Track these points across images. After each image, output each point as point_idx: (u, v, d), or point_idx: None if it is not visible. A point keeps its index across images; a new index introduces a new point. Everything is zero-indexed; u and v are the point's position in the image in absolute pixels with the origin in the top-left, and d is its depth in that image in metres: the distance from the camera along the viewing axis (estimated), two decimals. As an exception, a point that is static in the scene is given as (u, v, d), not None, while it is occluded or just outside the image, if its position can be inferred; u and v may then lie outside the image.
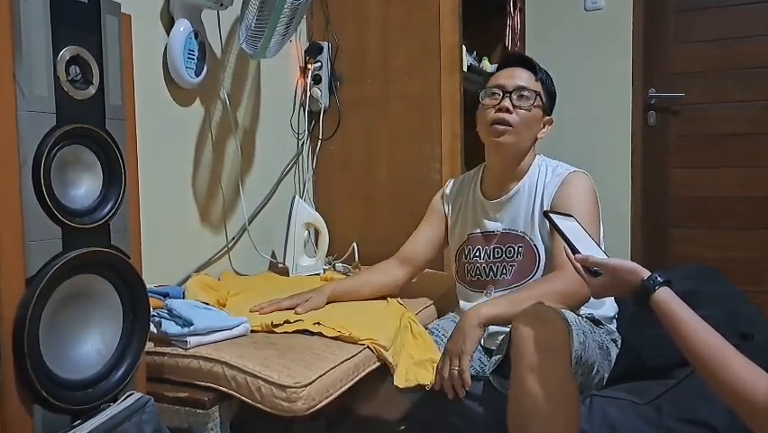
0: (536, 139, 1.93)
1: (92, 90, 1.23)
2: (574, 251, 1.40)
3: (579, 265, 1.39)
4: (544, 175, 1.89)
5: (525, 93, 1.86)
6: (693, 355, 1.17)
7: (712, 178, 3.32)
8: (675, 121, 3.38)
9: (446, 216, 2.08)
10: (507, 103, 1.84)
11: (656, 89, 3.37)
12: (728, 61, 3.24)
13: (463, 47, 2.62)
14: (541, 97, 1.88)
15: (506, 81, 1.87)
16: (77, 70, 1.20)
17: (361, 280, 2.08)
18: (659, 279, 1.26)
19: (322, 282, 2.16)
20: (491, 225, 1.94)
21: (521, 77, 1.88)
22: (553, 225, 1.48)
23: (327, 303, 1.89)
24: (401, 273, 2.06)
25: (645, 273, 1.28)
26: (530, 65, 1.91)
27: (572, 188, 1.83)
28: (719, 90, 3.27)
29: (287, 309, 1.82)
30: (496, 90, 1.87)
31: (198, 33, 2.11)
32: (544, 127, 1.93)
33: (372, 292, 2.01)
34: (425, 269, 2.16)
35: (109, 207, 1.26)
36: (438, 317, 2.07)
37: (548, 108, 1.93)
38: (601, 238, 1.81)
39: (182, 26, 2.05)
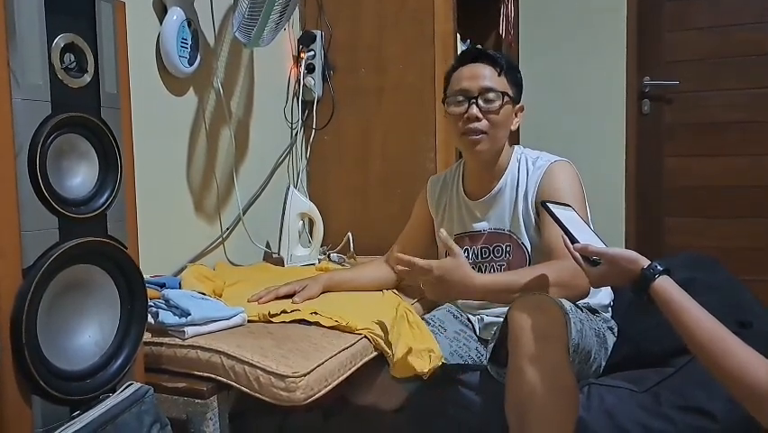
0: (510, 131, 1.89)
1: (87, 78, 1.21)
2: (573, 240, 1.40)
3: (577, 255, 1.39)
4: (524, 169, 1.86)
5: (491, 95, 1.79)
6: (695, 343, 1.18)
7: (707, 166, 3.32)
8: (669, 109, 3.38)
9: (432, 217, 2.06)
10: (474, 111, 1.78)
11: (650, 77, 3.37)
12: (723, 49, 3.24)
13: (458, 35, 2.61)
14: (508, 94, 1.81)
15: (468, 84, 1.80)
16: (72, 58, 1.19)
17: (357, 272, 2.07)
18: (659, 267, 1.26)
19: (317, 273, 2.16)
20: (477, 225, 1.92)
21: (483, 75, 1.80)
22: (551, 216, 1.48)
23: (322, 292, 1.88)
24: (394, 273, 2.05)
25: (645, 262, 1.28)
26: (490, 59, 1.83)
27: (557, 180, 1.80)
28: (714, 78, 3.27)
29: (284, 297, 1.81)
30: (460, 97, 1.81)
31: (191, 22, 2.09)
32: (516, 116, 1.88)
33: (367, 285, 2.00)
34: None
35: (105, 196, 1.24)
36: (432, 309, 2.06)
37: (516, 98, 1.86)
38: (590, 224, 1.81)
39: (175, 15, 2.03)
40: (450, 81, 1.87)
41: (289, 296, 1.82)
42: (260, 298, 1.80)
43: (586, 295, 1.67)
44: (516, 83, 1.86)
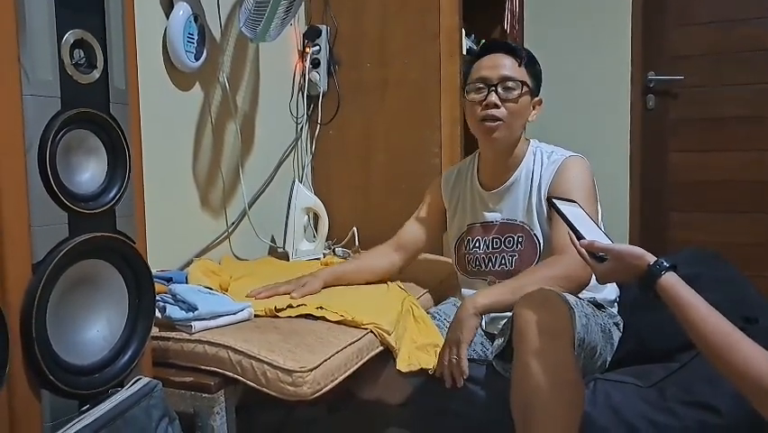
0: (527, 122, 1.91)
1: (96, 74, 1.22)
2: (579, 236, 1.40)
3: (584, 251, 1.39)
4: (539, 162, 1.87)
5: (510, 84, 1.81)
6: (701, 339, 1.18)
7: (711, 161, 3.32)
8: (674, 104, 3.37)
9: (444, 207, 2.07)
10: (493, 98, 1.80)
11: (655, 72, 3.36)
12: (728, 44, 3.23)
13: (462, 30, 2.61)
14: (527, 84, 1.84)
15: (489, 73, 1.82)
16: (82, 54, 1.19)
17: (357, 264, 2.07)
18: (665, 264, 1.26)
19: (322, 267, 2.16)
20: (490, 216, 1.93)
21: (504, 65, 1.83)
22: (557, 211, 1.48)
23: (324, 287, 1.88)
24: (397, 258, 2.06)
25: (651, 258, 1.28)
26: (511, 50, 1.86)
27: (570, 174, 1.81)
28: (719, 73, 3.26)
29: (283, 294, 1.81)
30: (480, 84, 1.83)
31: (198, 17, 2.10)
32: (534, 109, 1.90)
33: (369, 277, 2.01)
34: (421, 254, 2.15)
35: (114, 191, 1.25)
36: (439, 302, 2.07)
37: (535, 90, 1.88)
38: (600, 221, 1.81)
39: (182, 10, 2.03)
40: (471, 71, 1.89)
41: (288, 294, 1.82)
42: (259, 294, 1.81)
43: (586, 285, 1.69)
44: (536, 76, 1.88)
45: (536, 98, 1.90)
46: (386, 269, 2.05)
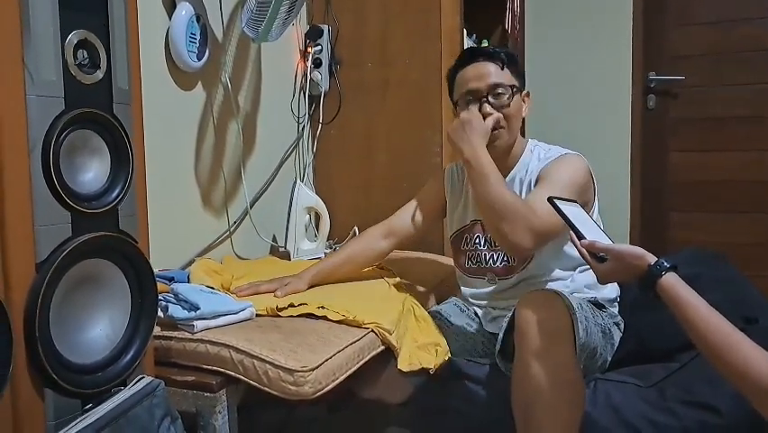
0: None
1: (99, 74, 1.22)
2: (580, 236, 1.40)
3: (585, 251, 1.39)
4: (536, 159, 1.87)
5: (500, 90, 1.80)
6: (701, 339, 1.18)
7: (712, 161, 3.33)
8: (675, 104, 3.38)
9: (446, 199, 2.06)
10: (487, 108, 1.79)
11: (656, 72, 3.37)
12: (729, 44, 3.24)
13: (464, 30, 2.61)
14: (515, 86, 1.83)
15: (476, 84, 1.81)
16: (85, 54, 1.20)
17: (342, 257, 2.04)
18: (665, 264, 1.26)
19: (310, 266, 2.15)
20: None
21: (489, 72, 1.81)
22: (558, 211, 1.48)
23: (311, 286, 1.89)
24: (385, 245, 2.04)
25: (652, 259, 1.28)
26: (490, 55, 1.85)
27: (559, 167, 1.80)
28: (719, 73, 3.27)
29: (265, 293, 1.82)
30: (470, 97, 1.82)
31: (200, 17, 2.10)
32: (524, 103, 1.89)
33: (355, 269, 2.02)
34: (421, 254, 2.15)
35: (117, 191, 1.25)
36: (440, 302, 2.08)
37: (522, 86, 1.88)
38: (597, 216, 1.81)
39: (184, 10, 2.04)
40: (455, 83, 1.88)
41: (270, 293, 1.83)
42: (241, 291, 1.82)
43: (520, 251, 1.69)
44: (519, 73, 1.88)
45: (524, 93, 1.89)
46: (372, 258, 2.05)
